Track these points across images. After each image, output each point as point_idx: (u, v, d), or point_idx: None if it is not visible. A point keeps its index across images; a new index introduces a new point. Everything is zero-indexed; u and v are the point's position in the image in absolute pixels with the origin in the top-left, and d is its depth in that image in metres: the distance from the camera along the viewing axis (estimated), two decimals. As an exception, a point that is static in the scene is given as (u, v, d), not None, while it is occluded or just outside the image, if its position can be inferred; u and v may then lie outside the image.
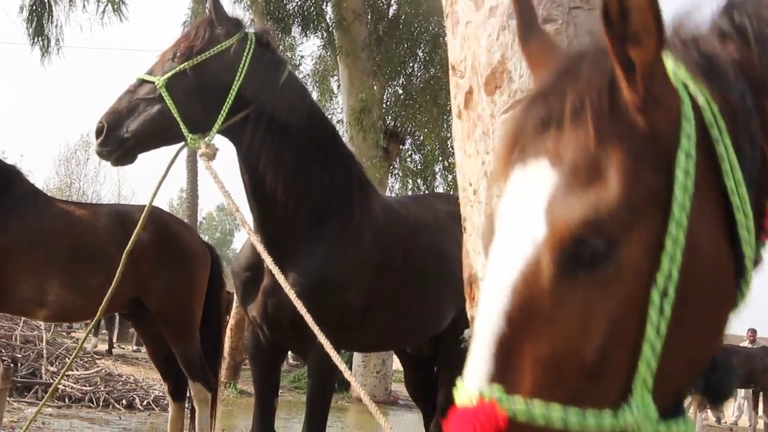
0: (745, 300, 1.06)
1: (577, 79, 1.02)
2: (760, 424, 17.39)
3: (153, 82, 3.50)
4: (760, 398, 16.82)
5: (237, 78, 3.52)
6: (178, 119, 3.43)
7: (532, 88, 1.08)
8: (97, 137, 3.55)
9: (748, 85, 1.08)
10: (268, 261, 2.98)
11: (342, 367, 2.56)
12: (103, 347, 16.79)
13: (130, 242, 3.72)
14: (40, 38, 14.24)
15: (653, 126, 0.98)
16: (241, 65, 3.54)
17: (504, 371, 0.94)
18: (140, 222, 3.70)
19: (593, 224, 0.93)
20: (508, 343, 0.95)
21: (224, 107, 3.48)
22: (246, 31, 3.67)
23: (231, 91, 3.50)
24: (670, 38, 1.07)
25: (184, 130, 3.44)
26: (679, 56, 1.08)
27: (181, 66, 3.51)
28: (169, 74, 3.50)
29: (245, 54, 3.56)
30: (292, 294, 2.79)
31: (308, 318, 2.67)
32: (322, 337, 2.59)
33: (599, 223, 0.93)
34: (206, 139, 3.45)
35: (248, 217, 3.50)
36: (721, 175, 1.01)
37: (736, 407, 19.21)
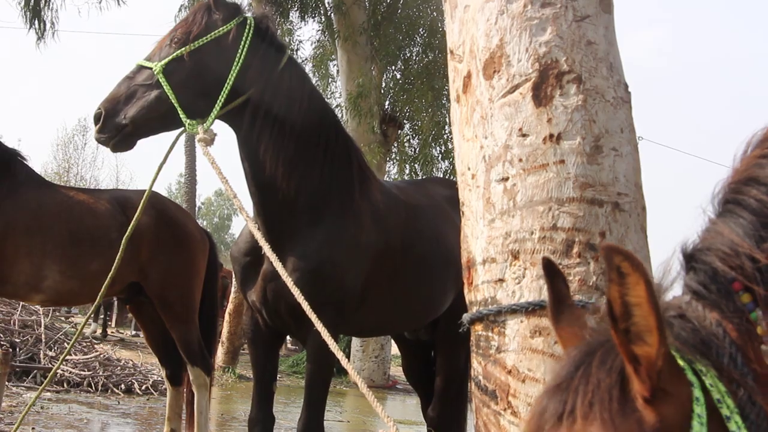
0: None
1: (588, 374, 1.05)
2: None
3: (151, 68, 3.49)
4: None
5: (235, 64, 3.50)
6: (176, 105, 3.42)
7: (551, 379, 1.12)
8: (96, 124, 3.54)
9: (735, 346, 1.10)
10: (267, 249, 2.98)
11: (339, 355, 2.55)
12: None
13: (130, 227, 3.73)
14: (36, 21, 14.15)
15: (663, 415, 1.00)
16: (240, 51, 3.52)
17: None
18: (140, 207, 3.70)
19: None
20: None
21: (222, 93, 3.46)
22: (245, 15, 3.65)
23: (229, 77, 3.48)
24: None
25: (182, 116, 3.43)
26: (674, 334, 1.10)
27: (178, 51, 3.49)
28: (166, 60, 3.48)
29: (243, 39, 3.54)
30: (289, 282, 2.79)
31: (306, 306, 2.68)
32: (319, 326, 2.59)
33: None
34: (204, 124, 3.44)
35: (247, 202, 3.50)
36: None
37: None
